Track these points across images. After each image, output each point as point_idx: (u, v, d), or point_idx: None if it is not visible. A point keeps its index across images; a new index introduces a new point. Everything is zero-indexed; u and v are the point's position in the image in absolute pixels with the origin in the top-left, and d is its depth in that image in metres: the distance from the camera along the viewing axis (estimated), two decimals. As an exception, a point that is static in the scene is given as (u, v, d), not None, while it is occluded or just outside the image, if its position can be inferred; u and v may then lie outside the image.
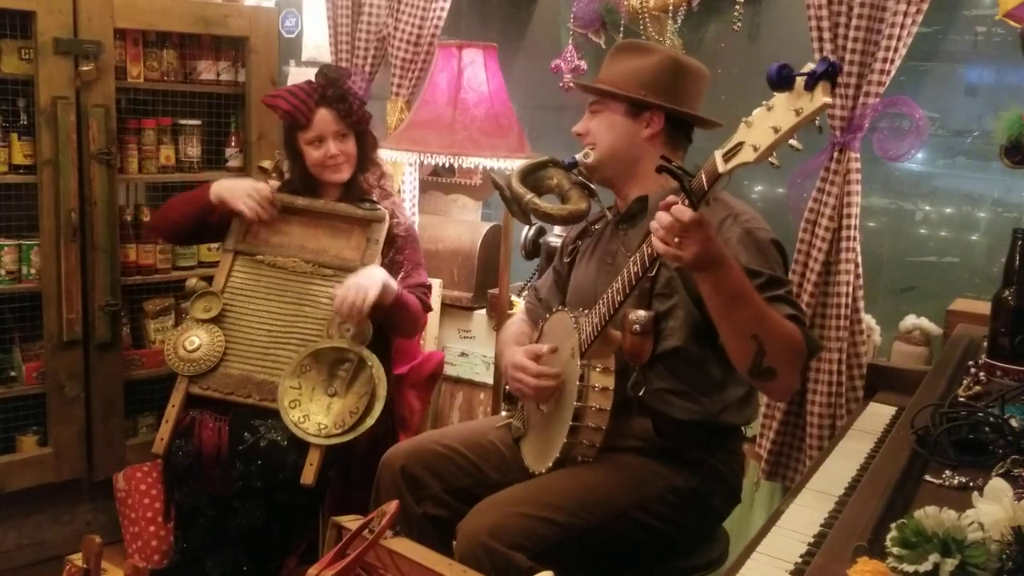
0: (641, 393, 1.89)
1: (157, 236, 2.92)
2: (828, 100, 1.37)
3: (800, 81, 1.38)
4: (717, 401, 1.91)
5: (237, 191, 2.48)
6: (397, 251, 2.56)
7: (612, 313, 1.81)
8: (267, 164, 2.61)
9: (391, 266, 2.52)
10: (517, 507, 1.79)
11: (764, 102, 1.45)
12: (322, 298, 2.47)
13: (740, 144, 1.48)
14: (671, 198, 1.57)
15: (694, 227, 1.53)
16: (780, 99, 1.42)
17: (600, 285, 1.99)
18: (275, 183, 2.58)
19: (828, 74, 1.36)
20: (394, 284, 2.42)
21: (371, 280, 2.34)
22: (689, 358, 1.89)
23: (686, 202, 1.55)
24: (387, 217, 2.51)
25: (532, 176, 2.03)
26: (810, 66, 1.37)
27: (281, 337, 2.45)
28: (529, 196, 1.98)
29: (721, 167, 1.51)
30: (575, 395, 1.84)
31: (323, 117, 2.45)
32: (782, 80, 1.40)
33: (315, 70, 2.53)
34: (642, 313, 1.86)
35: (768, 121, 1.43)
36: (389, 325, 2.49)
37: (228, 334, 2.45)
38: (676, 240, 1.55)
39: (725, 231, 1.84)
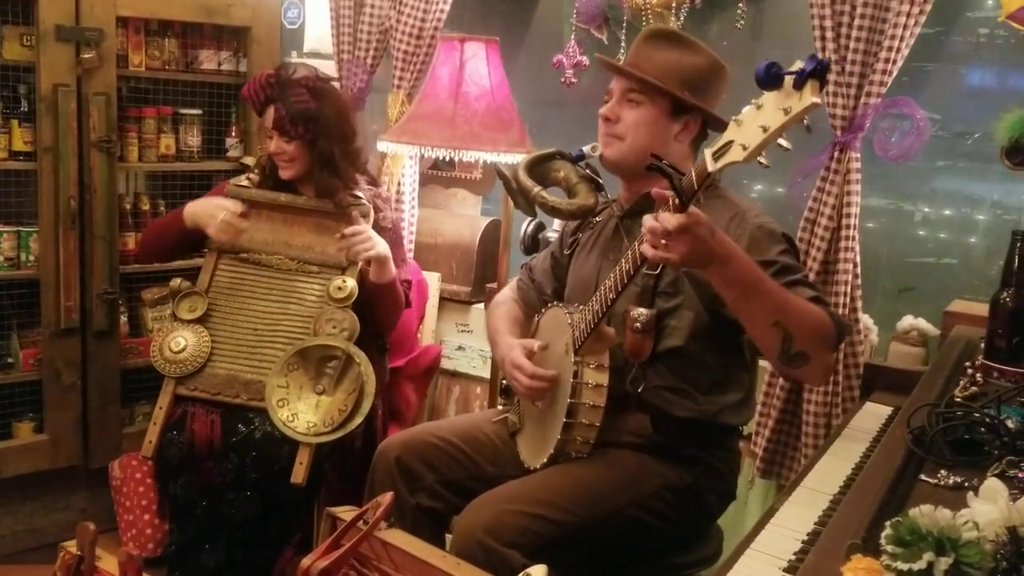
0: (640, 390, 1.89)
1: (150, 262, 2.89)
2: (816, 100, 1.35)
3: (789, 80, 1.37)
4: (715, 402, 1.91)
5: (202, 214, 2.47)
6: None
7: (605, 310, 1.81)
8: (249, 160, 2.60)
9: None
10: (513, 504, 1.79)
11: (753, 100, 1.44)
12: (308, 296, 2.46)
13: (730, 143, 1.47)
14: (663, 192, 1.56)
15: (679, 232, 1.52)
16: (769, 98, 1.41)
17: (602, 279, 1.98)
18: (255, 177, 2.57)
19: (816, 72, 1.34)
20: (392, 268, 2.44)
21: (383, 245, 2.41)
22: (690, 358, 1.89)
23: (676, 201, 1.54)
24: (371, 212, 2.50)
25: (539, 168, 2.00)
26: (799, 64, 1.35)
27: (267, 336, 2.44)
28: (537, 189, 1.94)
29: (711, 166, 1.49)
30: (569, 391, 1.84)
31: (270, 114, 2.45)
32: (770, 78, 1.38)
33: (316, 61, 2.52)
34: (644, 311, 1.86)
35: (757, 120, 1.42)
36: (374, 309, 2.49)
37: (214, 334, 2.43)
38: (663, 243, 1.55)
39: (733, 231, 1.83)
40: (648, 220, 1.55)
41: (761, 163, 1.46)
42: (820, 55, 2.35)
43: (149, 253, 2.70)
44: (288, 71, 2.48)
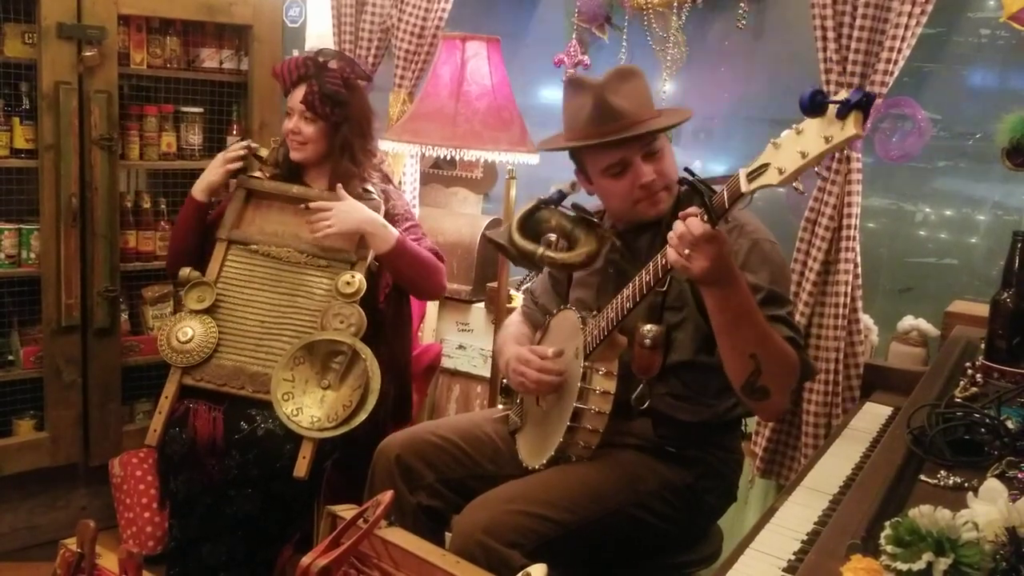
0: (644, 406, 1.89)
1: (176, 269, 2.65)
2: (860, 132, 1.35)
3: (832, 109, 1.37)
4: (726, 400, 1.92)
5: (205, 174, 2.55)
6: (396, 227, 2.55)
7: (620, 318, 1.81)
8: (263, 152, 2.60)
9: None
10: (513, 504, 1.79)
11: (794, 125, 1.44)
12: (316, 289, 2.46)
13: (766, 165, 1.46)
14: (692, 209, 1.56)
15: (706, 242, 1.52)
16: (811, 124, 1.41)
17: (602, 294, 1.97)
18: (267, 171, 2.58)
19: (862, 104, 1.34)
20: (388, 235, 2.42)
21: (357, 221, 2.40)
22: (697, 370, 1.89)
23: (705, 217, 1.53)
24: (382, 206, 2.51)
25: (529, 225, 1.94)
26: (844, 94, 1.36)
27: (275, 328, 2.45)
28: (541, 251, 1.90)
29: (744, 187, 1.49)
30: (575, 395, 1.83)
31: (297, 94, 2.48)
32: (815, 106, 1.38)
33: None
34: (653, 327, 1.84)
35: (797, 145, 1.42)
36: (403, 279, 2.50)
37: (221, 325, 2.44)
38: (687, 252, 1.55)
39: (732, 243, 1.83)
40: (678, 225, 1.56)
41: (797, 189, 1.46)
42: (820, 54, 2.36)
43: (178, 255, 2.62)
44: (327, 56, 2.53)
